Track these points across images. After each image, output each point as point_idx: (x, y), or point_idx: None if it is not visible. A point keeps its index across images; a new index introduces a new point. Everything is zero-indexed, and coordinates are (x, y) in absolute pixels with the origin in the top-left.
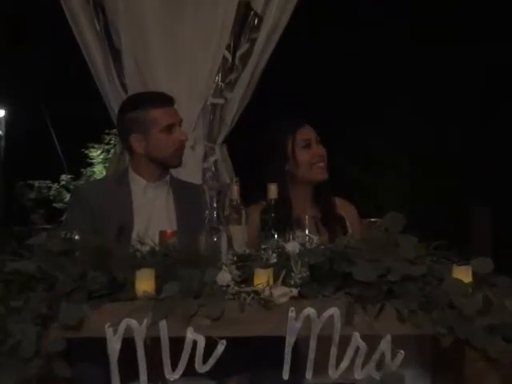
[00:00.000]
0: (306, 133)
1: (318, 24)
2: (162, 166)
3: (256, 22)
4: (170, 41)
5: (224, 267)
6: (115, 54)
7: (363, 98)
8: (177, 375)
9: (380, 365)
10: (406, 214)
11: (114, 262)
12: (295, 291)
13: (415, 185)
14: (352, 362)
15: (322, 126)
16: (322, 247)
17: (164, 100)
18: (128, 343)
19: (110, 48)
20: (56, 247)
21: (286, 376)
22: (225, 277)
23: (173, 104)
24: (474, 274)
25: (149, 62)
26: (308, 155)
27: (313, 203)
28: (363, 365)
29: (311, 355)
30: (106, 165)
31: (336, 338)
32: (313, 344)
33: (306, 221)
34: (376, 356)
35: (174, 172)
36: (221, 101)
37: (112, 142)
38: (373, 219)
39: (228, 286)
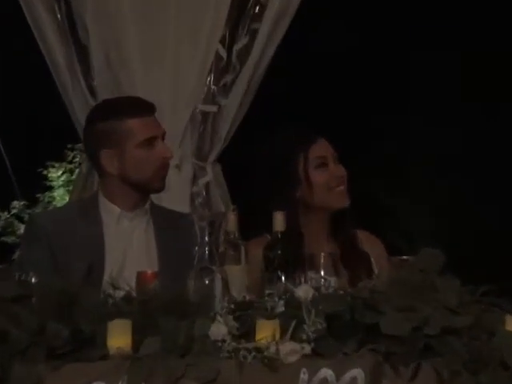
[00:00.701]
0: (321, 149)
1: (334, 9)
2: (141, 191)
3: (258, 8)
4: (149, 33)
5: (218, 318)
6: (81, 51)
7: (393, 101)
8: None
9: None
10: (445, 250)
11: (80, 311)
12: (308, 348)
13: (456, 215)
14: None
15: (340, 140)
16: (342, 292)
17: (142, 107)
18: None
19: (74, 43)
20: (7, 293)
21: None
22: (219, 330)
23: (153, 112)
24: None
25: (123, 59)
26: (324, 177)
27: (330, 237)
28: None
29: None
30: (69, 188)
31: None
32: None
33: (322, 259)
34: None
35: (155, 198)
36: (213, 108)
37: (76, 159)
38: (404, 257)
39: (223, 341)
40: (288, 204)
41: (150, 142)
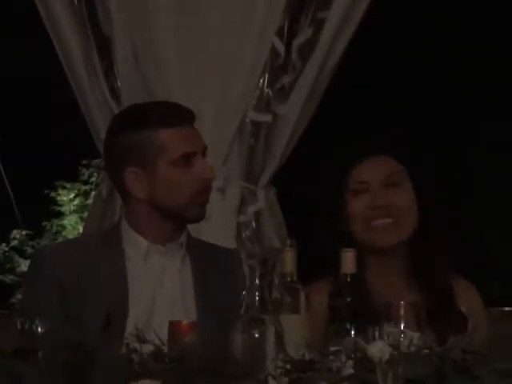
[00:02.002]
0: (366, 172)
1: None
2: (175, 220)
3: None
4: (187, 22)
5: (271, 380)
6: (102, 44)
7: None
8: None
9: None
10: None
11: (97, 370)
12: None
13: None
14: None
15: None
16: (427, 351)
17: (178, 115)
18: None
19: (93, 34)
20: (7, 346)
21: None
22: None
23: (192, 122)
24: None
25: (154, 55)
26: (361, 206)
27: (413, 281)
28: None
29: None
30: (84, 215)
31: None
32: None
33: (402, 309)
34: None
35: (192, 229)
36: (267, 118)
37: (93, 179)
38: (507, 308)
39: None
40: (340, 241)
41: (187, 158)
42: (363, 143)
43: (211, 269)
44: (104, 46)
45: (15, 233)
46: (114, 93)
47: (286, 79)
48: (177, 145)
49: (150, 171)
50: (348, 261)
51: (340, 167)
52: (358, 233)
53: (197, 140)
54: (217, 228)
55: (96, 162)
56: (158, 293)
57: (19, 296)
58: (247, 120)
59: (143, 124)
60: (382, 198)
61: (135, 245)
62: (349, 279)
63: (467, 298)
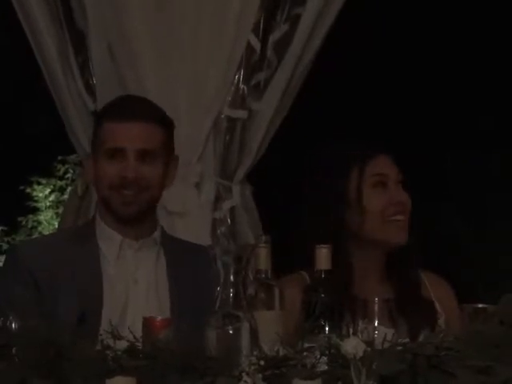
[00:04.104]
0: (382, 165)
1: None
2: (113, 213)
3: None
4: (162, 17)
5: (245, 377)
6: (77, 39)
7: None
8: None
9: None
10: None
11: (71, 366)
12: None
13: None
14: None
15: (406, 158)
16: (400, 348)
17: (127, 109)
18: None
19: (68, 29)
20: None
21: None
22: None
23: (144, 120)
24: None
25: (130, 50)
26: (381, 200)
27: (384, 278)
28: None
29: None
30: (59, 211)
31: None
32: None
33: (376, 306)
34: None
35: (167, 225)
36: (243, 114)
37: (69, 175)
38: (480, 305)
39: None
40: (335, 235)
41: (113, 153)
42: (369, 140)
43: (186, 265)
44: (79, 42)
45: None
46: (89, 88)
47: (261, 75)
48: (110, 137)
49: (95, 160)
50: (323, 257)
51: (345, 158)
52: (370, 227)
53: (132, 138)
54: (192, 224)
55: (72, 157)
56: (132, 289)
57: None
58: (222, 116)
59: (99, 115)
60: (400, 195)
61: (109, 240)
62: (323, 275)
63: (440, 294)
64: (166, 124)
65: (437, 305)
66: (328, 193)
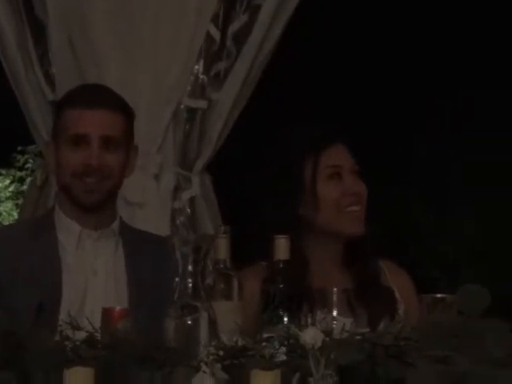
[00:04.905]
0: (338, 156)
1: None
2: (74, 201)
3: None
4: (121, 7)
5: (204, 367)
6: (38, 31)
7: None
8: None
9: None
10: (492, 288)
11: (30, 357)
12: None
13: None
14: None
15: (364, 146)
16: (359, 337)
17: (90, 96)
18: None
19: (28, 19)
20: None
21: None
22: (204, 382)
23: (105, 105)
24: None
25: (89, 40)
26: (335, 191)
27: (343, 267)
28: None
29: None
30: (19, 202)
31: None
32: None
33: (334, 295)
34: None
35: (126, 215)
36: (202, 104)
37: (29, 165)
38: (439, 295)
39: None
40: (291, 225)
41: (77, 140)
42: (325, 128)
43: (144, 255)
44: (39, 33)
45: None
46: (49, 79)
47: (221, 65)
48: (73, 124)
49: (56, 148)
50: (281, 247)
51: (299, 148)
52: (324, 218)
53: (96, 124)
54: (151, 214)
55: (31, 148)
56: (91, 279)
57: None
58: (182, 106)
59: (59, 103)
60: (355, 185)
61: (68, 230)
62: (281, 265)
63: (399, 284)
64: (127, 112)
65: (396, 294)
66: (283, 184)
